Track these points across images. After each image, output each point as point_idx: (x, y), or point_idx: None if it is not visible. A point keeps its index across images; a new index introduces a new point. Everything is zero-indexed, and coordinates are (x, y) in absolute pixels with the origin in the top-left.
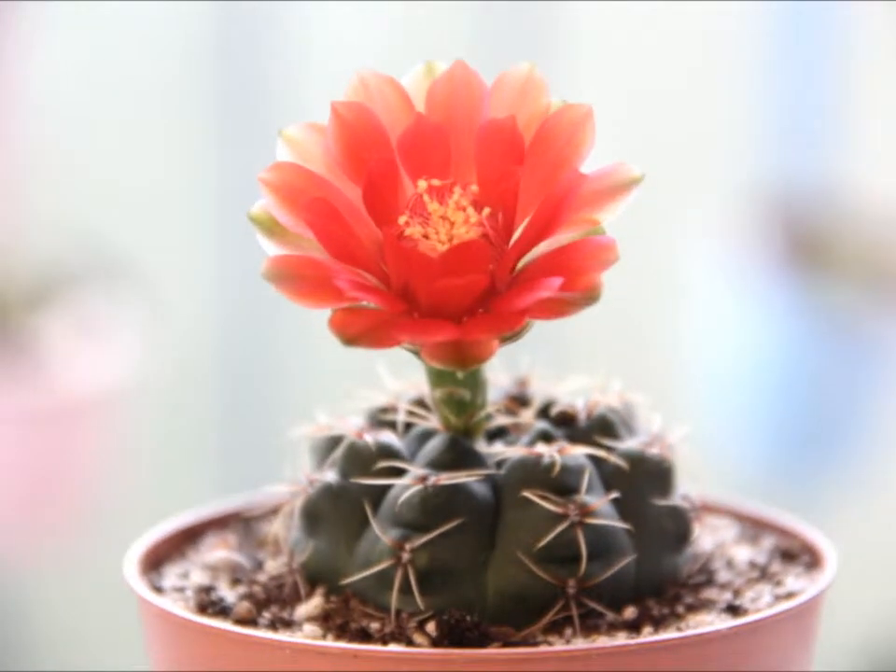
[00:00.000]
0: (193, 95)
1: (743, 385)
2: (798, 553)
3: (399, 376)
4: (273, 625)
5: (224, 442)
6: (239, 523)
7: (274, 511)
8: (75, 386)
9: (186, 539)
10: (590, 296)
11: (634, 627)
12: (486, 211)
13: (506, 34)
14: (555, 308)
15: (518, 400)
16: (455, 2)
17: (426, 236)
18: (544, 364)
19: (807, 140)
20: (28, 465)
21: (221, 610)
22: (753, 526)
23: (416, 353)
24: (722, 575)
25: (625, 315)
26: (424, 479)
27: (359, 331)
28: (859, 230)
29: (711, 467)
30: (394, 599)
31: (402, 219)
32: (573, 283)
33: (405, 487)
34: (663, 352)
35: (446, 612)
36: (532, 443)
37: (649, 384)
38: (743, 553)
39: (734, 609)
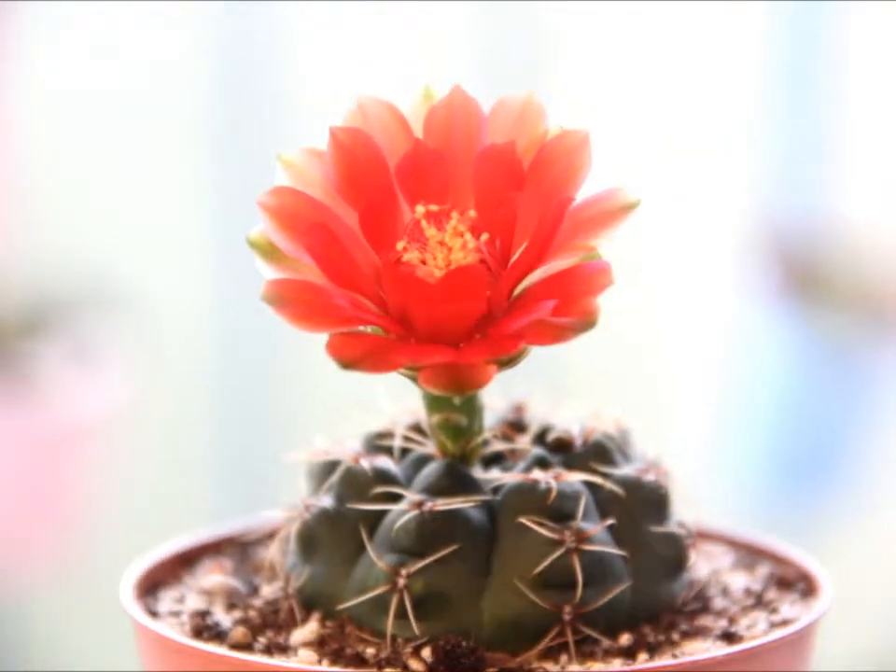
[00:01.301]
0: (189, 119)
1: (738, 412)
2: (794, 581)
3: (396, 401)
4: (268, 650)
5: (219, 467)
6: (235, 547)
7: (271, 536)
8: (70, 412)
9: (182, 564)
10: (586, 321)
11: (629, 654)
12: (484, 237)
13: (502, 63)
14: (552, 333)
15: (514, 426)
16: (451, 15)
17: (423, 262)
18: (541, 390)
19: (804, 172)
20: (23, 489)
21: (217, 635)
22: (749, 554)
23: (414, 378)
24: (718, 602)
25: (620, 341)
26: (420, 504)
27: (357, 356)
28: (854, 261)
29: (706, 493)
30: (390, 625)
31: (400, 245)
32: (569, 308)
33: (401, 513)
34: (657, 379)
35: (442, 638)
36: (528, 469)
37: (642, 409)
38: (739, 581)
39: (729, 637)
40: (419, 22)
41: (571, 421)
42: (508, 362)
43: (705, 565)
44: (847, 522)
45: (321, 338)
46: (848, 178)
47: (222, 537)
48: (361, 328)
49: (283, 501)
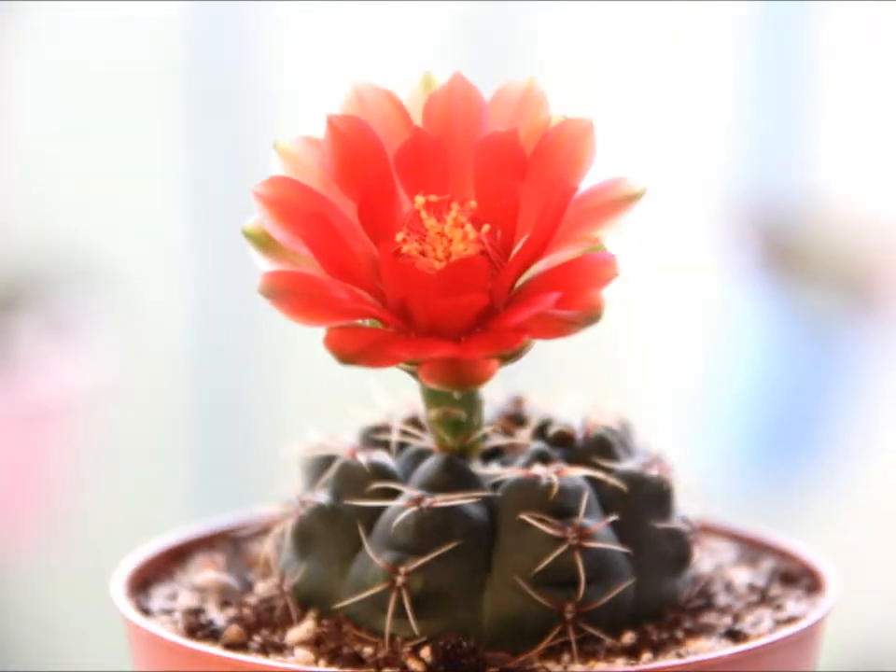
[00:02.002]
0: (165, 95)
1: (716, 390)
2: (798, 576)
3: (391, 393)
4: (263, 650)
5: (200, 445)
6: (228, 542)
7: (264, 532)
8: (48, 389)
9: (173, 559)
10: (591, 314)
11: (632, 653)
12: (486, 228)
13: (486, 53)
14: (555, 327)
15: (514, 419)
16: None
17: (423, 253)
18: (540, 382)
19: (781, 148)
20: (2, 466)
21: (211, 634)
22: (752, 548)
23: (413, 373)
24: (722, 598)
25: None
26: (419, 500)
27: (356, 350)
28: (833, 237)
29: (691, 479)
30: (388, 623)
31: (399, 236)
32: (572, 301)
33: (400, 509)
34: (633, 358)
35: (442, 637)
36: (529, 464)
37: (618, 389)
38: (742, 576)
39: (734, 635)
40: (404, 15)
41: (571, 414)
42: (510, 356)
43: (707, 560)
44: (827, 499)
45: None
46: (826, 154)
47: (215, 531)
48: (360, 321)
49: (276, 495)
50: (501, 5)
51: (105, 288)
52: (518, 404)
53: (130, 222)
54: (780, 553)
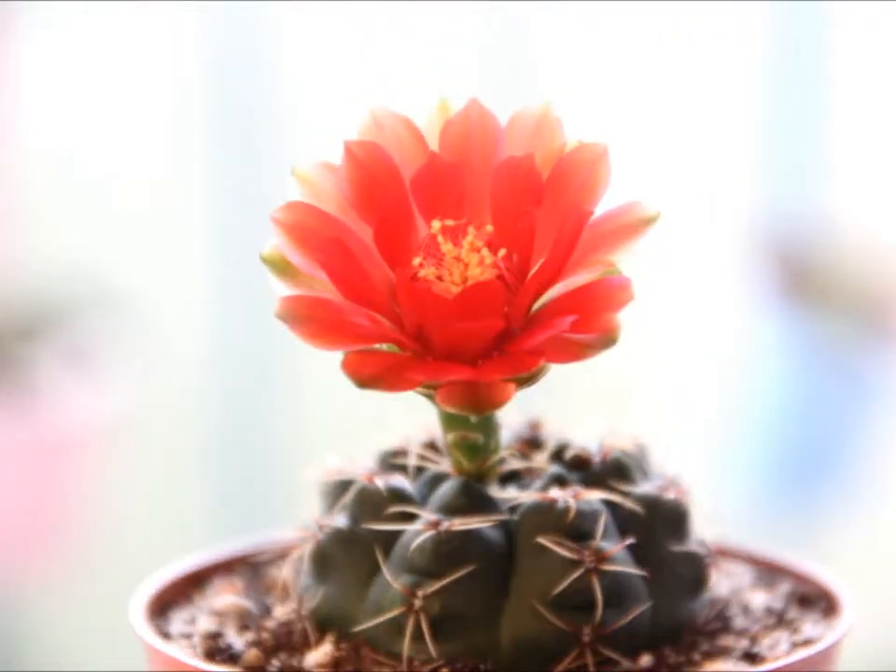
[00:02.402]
0: (186, 123)
1: (738, 416)
2: (815, 599)
3: (409, 417)
4: None
5: (219, 474)
6: (246, 566)
7: (282, 556)
8: (68, 419)
9: (192, 583)
10: (607, 338)
11: None
12: (502, 252)
13: (496, 54)
14: (572, 351)
15: (530, 443)
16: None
17: (439, 278)
18: (557, 407)
19: (801, 174)
20: (20, 497)
21: (230, 657)
22: (769, 571)
23: (430, 397)
24: (739, 621)
25: (617, 346)
26: (436, 524)
27: (374, 373)
28: (851, 265)
29: (707, 499)
30: (406, 647)
31: (416, 261)
32: (588, 324)
33: (417, 533)
34: (655, 383)
35: (460, 661)
36: (546, 488)
37: (641, 414)
38: (759, 599)
39: (751, 657)
40: (424, 39)
41: (588, 438)
42: (527, 380)
43: (724, 582)
44: (846, 525)
45: (331, 352)
46: (847, 182)
47: (233, 556)
48: (377, 345)
49: (294, 519)
50: (517, 25)
51: (123, 317)
52: (535, 428)
53: (149, 251)
54: (797, 577)
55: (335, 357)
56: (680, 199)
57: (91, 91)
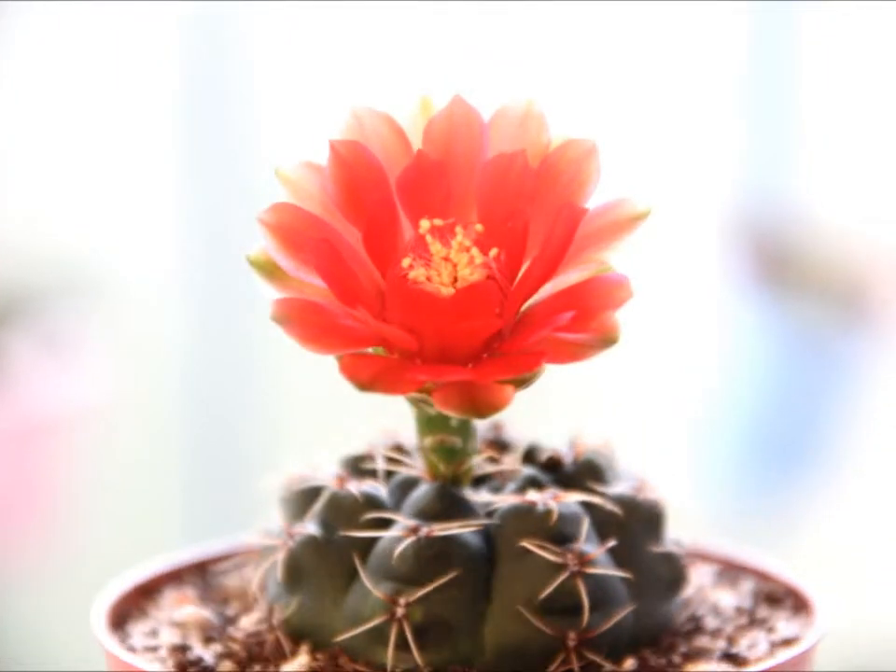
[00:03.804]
0: (156, 108)
1: (714, 400)
2: (782, 597)
3: (368, 423)
4: None
5: (194, 459)
6: (196, 576)
7: (236, 565)
8: (42, 404)
9: (143, 595)
10: (607, 338)
11: None
12: (493, 251)
13: (475, 53)
14: (571, 351)
15: (495, 445)
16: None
17: (429, 279)
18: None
19: (777, 159)
20: None
21: (203, 670)
22: (729, 569)
23: (419, 401)
24: (710, 621)
25: None
26: (416, 530)
27: (373, 375)
28: (827, 249)
29: (685, 483)
30: (390, 656)
31: (406, 262)
32: (586, 324)
33: (396, 539)
34: (632, 368)
35: (447, 669)
36: (521, 490)
37: (618, 401)
38: (726, 598)
39: (732, 658)
40: (401, 30)
41: (554, 437)
42: (525, 382)
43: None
44: (822, 508)
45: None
46: (824, 168)
47: (181, 565)
48: (370, 349)
49: (252, 527)
50: (495, 18)
51: (99, 304)
52: (497, 429)
53: (125, 237)
54: (758, 574)
55: (307, 356)
56: (659, 186)
57: (61, 78)
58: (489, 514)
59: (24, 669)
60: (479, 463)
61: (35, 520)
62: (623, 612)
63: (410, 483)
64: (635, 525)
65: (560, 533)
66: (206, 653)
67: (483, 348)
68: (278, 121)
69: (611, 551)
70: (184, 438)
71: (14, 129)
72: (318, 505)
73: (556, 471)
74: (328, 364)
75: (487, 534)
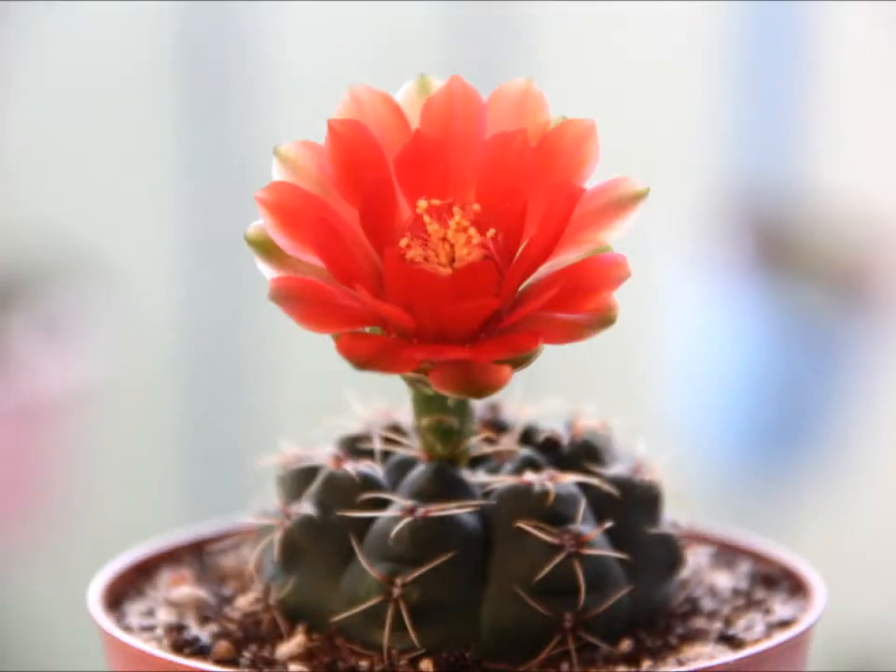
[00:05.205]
0: (156, 90)
1: (711, 386)
2: (778, 578)
3: (365, 403)
4: (254, 665)
5: (191, 441)
6: (193, 556)
7: (232, 545)
8: (40, 386)
9: (140, 574)
10: (605, 318)
11: (631, 660)
12: (491, 232)
13: (472, 34)
14: (569, 331)
15: (492, 426)
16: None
17: (426, 259)
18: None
19: (775, 142)
20: None
21: (199, 650)
22: (726, 550)
23: (416, 381)
24: (707, 603)
25: None
26: (412, 510)
27: (370, 354)
28: (826, 231)
29: (682, 465)
30: (386, 636)
31: (403, 242)
32: (582, 304)
33: (393, 520)
34: (630, 353)
35: (445, 650)
36: (519, 471)
37: (614, 383)
38: (723, 580)
39: (729, 640)
40: (400, 12)
41: (551, 418)
42: (522, 362)
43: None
44: (821, 493)
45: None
46: (818, 148)
47: (178, 545)
48: (367, 329)
49: (249, 507)
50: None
51: (97, 286)
52: (494, 410)
53: (123, 220)
54: (755, 556)
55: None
56: (651, 165)
57: (62, 61)
58: (486, 495)
59: (22, 648)
60: (476, 444)
61: (33, 500)
62: (619, 594)
63: (406, 464)
64: (632, 506)
65: (557, 514)
66: (202, 633)
67: (481, 328)
68: (277, 104)
69: (608, 532)
70: (181, 419)
71: (13, 112)
72: (315, 485)
73: (553, 452)
74: (325, 343)
75: (484, 515)
